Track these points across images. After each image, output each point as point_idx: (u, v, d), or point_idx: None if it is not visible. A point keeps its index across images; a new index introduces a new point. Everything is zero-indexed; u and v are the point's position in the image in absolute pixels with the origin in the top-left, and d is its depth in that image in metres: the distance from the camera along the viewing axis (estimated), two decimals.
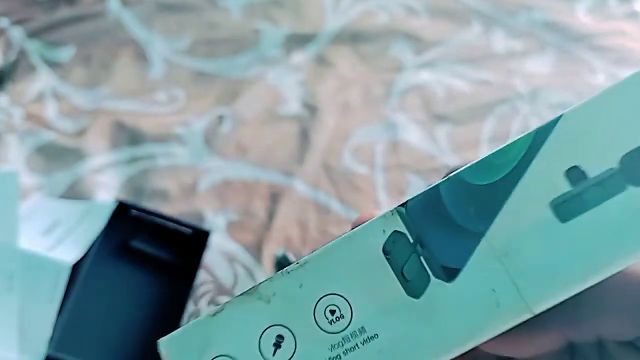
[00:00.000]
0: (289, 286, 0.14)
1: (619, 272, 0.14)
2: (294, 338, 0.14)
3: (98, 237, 0.49)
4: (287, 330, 0.14)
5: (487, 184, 0.11)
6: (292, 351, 0.14)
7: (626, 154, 0.10)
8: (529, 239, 0.11)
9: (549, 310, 0.14)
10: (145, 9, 0.69)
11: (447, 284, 0.11)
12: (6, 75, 0.63)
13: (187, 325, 0.15)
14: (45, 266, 0.46)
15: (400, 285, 0.12)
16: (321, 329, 0.14)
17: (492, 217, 0.11)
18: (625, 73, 0.71)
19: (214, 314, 0.15)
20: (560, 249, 0.11)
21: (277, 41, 0.69)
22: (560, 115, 0.11)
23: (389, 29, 0.71)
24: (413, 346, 0.12)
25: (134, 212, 0.52)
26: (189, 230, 0.52)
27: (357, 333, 0.13)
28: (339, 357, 0.13)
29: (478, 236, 0.11)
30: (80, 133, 0.59)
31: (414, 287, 0.12)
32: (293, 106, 0.64)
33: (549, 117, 0.12)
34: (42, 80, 0.63)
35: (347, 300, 0.13)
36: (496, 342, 0.16)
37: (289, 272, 0.14)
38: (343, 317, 0.13)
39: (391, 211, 0.13)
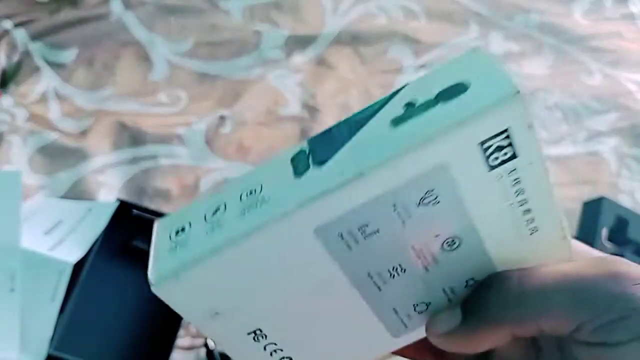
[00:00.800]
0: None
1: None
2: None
3: (99, 237, 0.49)
4: None
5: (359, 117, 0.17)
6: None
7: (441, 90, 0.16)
8: (378, 140, 0.16)
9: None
10: (148, 11, 0.70)
11: (319, 168, 0.16)
12: (10, 77, 0.64)
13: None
14: (47, 265, 0.46)
15: (291, 170, 0.16)
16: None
17: (357, 129, 0.16)
18: (621, 74, 0.72)
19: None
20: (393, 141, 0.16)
21: (278, 43, 0.70)
22: (405, 84, 0.17)
23: (388, 31, 0.72)
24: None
25: (135, 212, 0.52)
26: None
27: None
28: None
29: (345, 142, 0.16)
30: (83, 134, 0.59)
31: (300, 170, 0.16)
32: (293, 107, 0.65)
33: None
34: (46, 81, 0.64)
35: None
36: (449, 341, 0.17)
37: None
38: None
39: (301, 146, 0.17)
